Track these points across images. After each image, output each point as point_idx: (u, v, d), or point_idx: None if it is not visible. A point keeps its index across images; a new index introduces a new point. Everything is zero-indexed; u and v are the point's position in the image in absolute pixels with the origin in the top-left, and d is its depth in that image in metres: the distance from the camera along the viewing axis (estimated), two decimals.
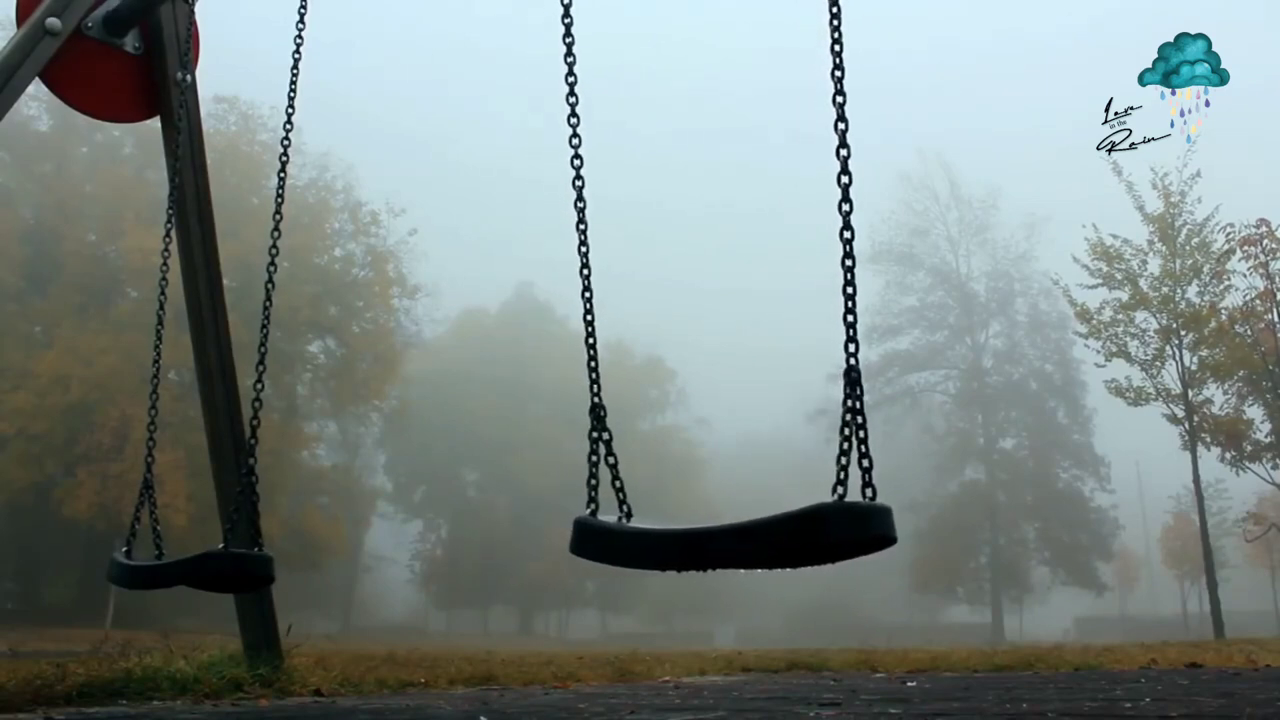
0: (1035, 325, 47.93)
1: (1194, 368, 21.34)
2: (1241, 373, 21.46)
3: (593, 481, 2.32)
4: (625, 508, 2.28)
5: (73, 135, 32.12)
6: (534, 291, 58.63)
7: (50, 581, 34.32)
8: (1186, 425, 21.19)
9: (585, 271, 2.57)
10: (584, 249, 2.59)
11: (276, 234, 3.68)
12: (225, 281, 4.71)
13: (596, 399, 2.41)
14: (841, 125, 2.09)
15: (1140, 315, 21.37)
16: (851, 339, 2.00)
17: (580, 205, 2.61)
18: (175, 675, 3.99)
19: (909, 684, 5.12)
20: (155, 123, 4.72)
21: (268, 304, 3.66)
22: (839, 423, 1.94)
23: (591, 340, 2.52)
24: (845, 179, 2.06)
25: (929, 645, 15.36)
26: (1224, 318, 20.92)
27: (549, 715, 3.28)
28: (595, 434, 2.36)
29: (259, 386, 3.52)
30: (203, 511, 24.66)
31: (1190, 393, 21.22)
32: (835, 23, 2.13)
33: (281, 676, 4.32)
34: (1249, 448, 21.79)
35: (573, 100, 2.66)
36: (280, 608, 4.66)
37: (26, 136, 30.84)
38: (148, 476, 3.79)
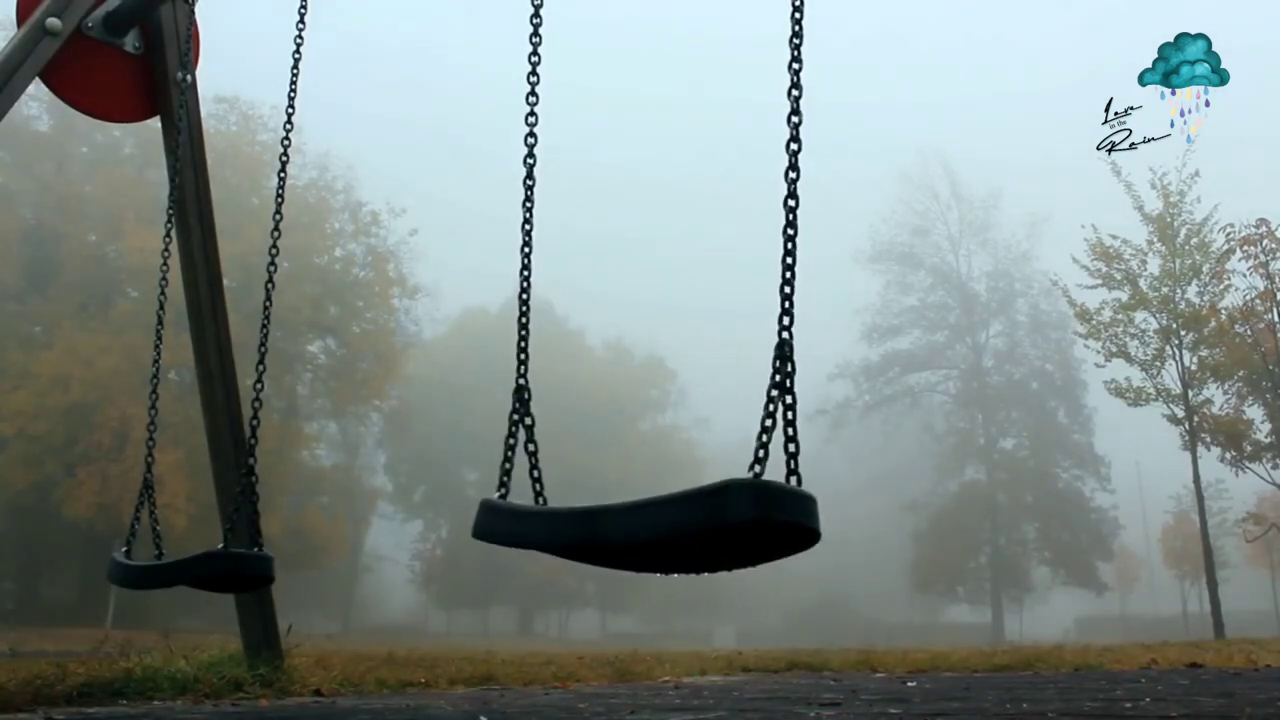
0: (1036, 325, 47.94)
1: (1194, 368, 21.32)
2: (1241, 373, 21.42)
3: (506, 465, 2.20)
4: (541, 499, 2.20)
5: (73, 135, 32.08)
6: (534, 291, 58.51)
7: (50, 581, 34.27)
8: (1186, 425, 21.16)
9: (526, 249, 2.52)
10: (527, 227, 2.53)
11: (276, 234, 3.69)
12: (225, 281, 4.71)
13: (522, 380, 2.30)
14: (795, 92, 2.00)
15: (1140, 315, 21.34)
16: (787, 311, 1.88)
17: (530, 183, 2.53)
18: (175, 675, 4.00)
19: (909, 684, 5.11)
20: (155, 123, 4.72)
21: (268, 304, 3.67)
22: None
23: (524, 320, 2.43)
24: (795, 146, 1.98)
25: (929, 645, 15.37)
26: (1224, 318, 20.89)
27: (549, 715, 3.28)
28: (516, 417, 2.25)
29: (259, 386, 3.52)
30: (203, 511, 24.63)
31: (1190, 393, 21.19)
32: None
33: (281, 676, 4.32)
34: (1249, 448, 21.75)
35: (533, 79, 2.60)
36: (280, 608, 4.66)
37: (26, 136, 30.79)
38: (148, 476, 3.79)
